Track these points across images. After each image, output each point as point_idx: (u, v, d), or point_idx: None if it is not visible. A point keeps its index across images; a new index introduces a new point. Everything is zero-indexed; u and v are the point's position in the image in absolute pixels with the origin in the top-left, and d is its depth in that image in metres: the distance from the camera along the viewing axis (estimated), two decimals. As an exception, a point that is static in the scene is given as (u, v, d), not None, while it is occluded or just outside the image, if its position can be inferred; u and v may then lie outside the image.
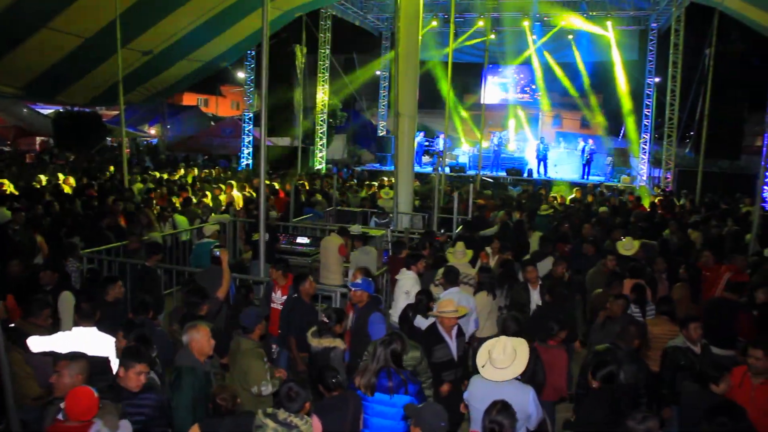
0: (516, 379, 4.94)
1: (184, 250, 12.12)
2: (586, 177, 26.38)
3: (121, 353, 5.02)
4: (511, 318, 6.16)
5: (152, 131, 36.80)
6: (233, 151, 29.84)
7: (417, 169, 22.52)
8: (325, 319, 6.23)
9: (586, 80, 29.00)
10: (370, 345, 5.50)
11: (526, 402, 4.82)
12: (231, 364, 5.90)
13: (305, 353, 6.56)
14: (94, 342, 5.61)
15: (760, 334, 7.38)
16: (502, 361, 4.88)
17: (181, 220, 12.78)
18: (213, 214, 13.73)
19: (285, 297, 7.67)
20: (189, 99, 45.07)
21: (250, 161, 27.92)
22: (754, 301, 7.93)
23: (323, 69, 28.30)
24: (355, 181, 21.92)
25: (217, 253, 7.92)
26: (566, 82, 29.48)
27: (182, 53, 21.95)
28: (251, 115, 28.01)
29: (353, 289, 7.02)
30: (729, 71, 21.97)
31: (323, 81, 28.44)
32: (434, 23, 27.75)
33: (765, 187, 20.41)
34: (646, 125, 27.44)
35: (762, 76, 22.68)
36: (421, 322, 7.08)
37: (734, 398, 5.25)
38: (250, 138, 28.01)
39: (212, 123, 36.49)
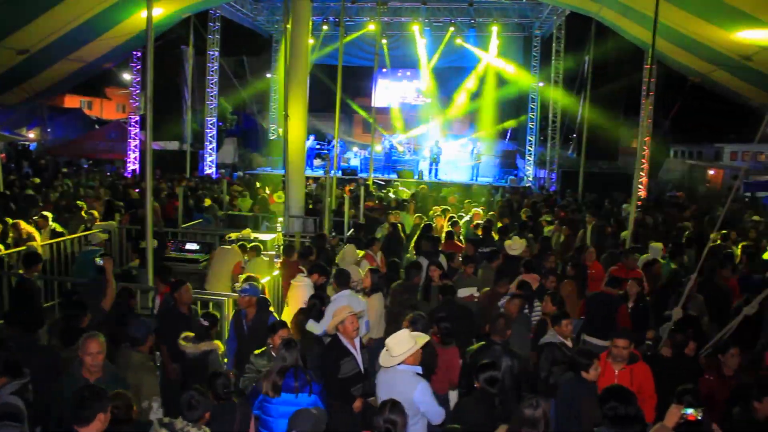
0: (417, 373, 5.23)
1: (67, 259, 11.61)
2: (475, 179, 27.08)
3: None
4: (418, 316, 6.29)
5: (31, 135, 34.91)
6: (119, 155, 28.78)
7: (308, 172, 22.55)
8: (205, 323, 6.21)
9: (474, 84, 29.80)
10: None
11: (411, 392, 5.09)
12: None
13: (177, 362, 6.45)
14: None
15: (639, 327, 7.92)
16: (396, 349, 5.24)
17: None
18: (98, 221, 13.23)
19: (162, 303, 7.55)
20: (71, 101, 43.04)
21: (137, 165, 27.04)
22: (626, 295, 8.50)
23: (212, 71, 27.77)
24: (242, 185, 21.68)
25: (101, 262, 7.67)
26: (456, 85, 30.22)
27: (62, 53, 20.95)
28: (138, 118, 27.09)
29: (241, 294, 7.00)
30: (606, 77, 23.20)
31: (212, 83, 27.91)
32: (325, 27, 27.84)
33: (640, 186, 21.72)
34: (531, 128, 28.53)
35: (636, 81, 24.06)
36: (314, 327, 7.13)
37: (600, 384, 5.62)
38: (137, 142, 27.09)
39: (96, 126, 35.08)
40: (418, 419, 5.14)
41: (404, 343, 5.31)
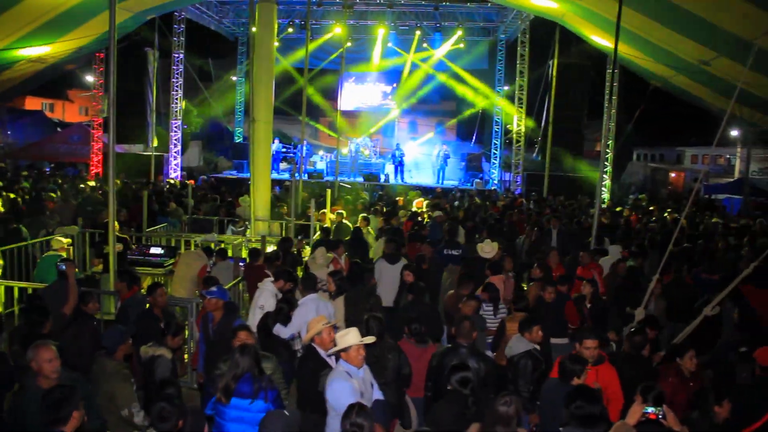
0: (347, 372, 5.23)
1: (29, 263, 11.38)
2: (440, 182, 27.20)
3: None
4: (373, 318, 6.29)
5: (-12, 137, 34.30)
6: (82, 158, 28.32)
7: (274, 176, 22.41)
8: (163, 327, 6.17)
9: (440, 87, 29.97)
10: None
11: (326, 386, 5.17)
12: (95, 387, 5.56)
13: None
14: None
15: (597, 326, 8.02)
16: (342, 341, 5.30)
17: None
18: (59, 226, 13.02)
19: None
20: (32, 103, 42.34)
21: (100, 168, 26.63)
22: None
23: (177, 74, 27.51)
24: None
25: (63, 267, 7.55)
26: (421, 89, 30.35)
27: (23, 53, 20.57)
28: (101, 120, 26.67)
29: (208, 296, 6.93)
30: (570, 81, 23.52)
31: (177, 86, 27.64)
32: (290, 30, 27.76)
33: (603, 189, 22.02)
34: (496, 131, 28.76)
35: (599, 86, 24.45)
36: (281, 331, 7.10)
37: None
38: (100, 145, 26.67)
39: (58, 129, 34.50)
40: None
41: (351, 336, 5.32)
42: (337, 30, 26.85)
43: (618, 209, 20.32)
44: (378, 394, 5.47)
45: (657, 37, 16.58)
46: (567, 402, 4.70)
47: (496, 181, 28.41)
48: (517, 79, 26.77)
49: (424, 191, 22.96)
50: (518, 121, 26.93)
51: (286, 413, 4.59)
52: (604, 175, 23.47)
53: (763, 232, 14.51)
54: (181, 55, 27.34)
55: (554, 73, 22.40)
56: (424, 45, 28.81)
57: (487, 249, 10.24)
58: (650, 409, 4.57)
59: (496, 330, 7.59)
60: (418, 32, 27.92)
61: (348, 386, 5.12)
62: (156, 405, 4.38)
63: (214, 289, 7.00)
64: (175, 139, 27.80)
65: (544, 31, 23.80)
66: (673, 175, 40.12)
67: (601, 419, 4.57)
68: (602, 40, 19.35)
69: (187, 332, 7.84)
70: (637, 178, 39.90)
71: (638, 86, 23.47)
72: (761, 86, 15.29)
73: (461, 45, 28.19)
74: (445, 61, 29.35)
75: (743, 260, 10.17)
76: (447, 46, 28.54)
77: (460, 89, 29.34)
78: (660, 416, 4.53)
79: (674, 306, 9.03)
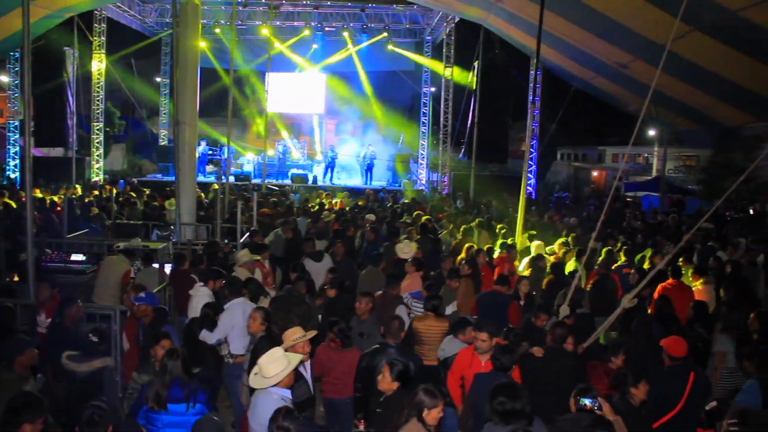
0: (283, 398, 5.07)
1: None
2: (368, 182, 27.27)
3: None
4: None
5: None
6: (-4, 162, 27.23)
7: (201, 178, 22.07)
8: (93, 339, 5.95)
9: (367, 89, 30.07)
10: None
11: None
12: None
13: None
14: None
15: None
16: (269, 370, 5.05)
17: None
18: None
19: (51, 320, 7.19)
20: (-59, 105, 40.43)
21: (17, 173, 25.63)
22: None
23: (99, 74, 26.72)
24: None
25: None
26: (349, 90, 30.40)
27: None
28: (17, 122, 25.68)
29: (137, 303, 6.79)
30: (494, 82, 23.93)
31: (99, 87, 26.84)
32: (216, 30, 27.39)
33: (528, 188, 22.50)
34: (423, 132, 29.05)
35: (523, 87, 24.98)
36: (207, 336, 7.02)
37: (467, 377, 5.93)
38: (17, 148, 25.68)
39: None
40: None
41: (278, 363, 5.08)
42: (264, 31, 26.61)
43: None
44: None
45: (577, 40, 17.09)
46: (490, 398, 4.81)
47: (423, 182, 28.68)
48: (442, 80, 27.12)
49: (353, 192, 22.99)
50: (444, 122, 27.29)
51: (215, 418, 4.54)
52: (529, 175, 24.00)
53: (677, 227, 15.10)
54: (103, 55, 26.55)
55: (478, 75, 22.77)
56: (351, 46, 28.87)
57: (406, 249, 10.33)
58: (587, 401, 4.76)
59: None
60: (345, 33, 27.99)
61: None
62: (86, 410, 4.27)
63: (142, 295, 6.87)
64: (97, 142, 26.99)
65: (470, 33, 24.19)
66: (595, 173, 41.35)
67: (522, 414, 4.68)
68: (525, 43, 19.81)
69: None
70: (561, 176, 41.00)
71: (561, 87, 24.15)
72: (674, 89, 15.97)
73: (388, 46, 28.39)
74: (371, 62, 29.47)
75: (656, 255, 10.55)
76: (373, 47, 28.68)
77: (387, 90, 29.54)
78: (596, 407, 4.73)
79: (600, 301, 9.30)
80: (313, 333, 5.90)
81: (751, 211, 21.21)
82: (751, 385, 5.90)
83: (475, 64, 23.40)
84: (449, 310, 8.12)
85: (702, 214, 14.44)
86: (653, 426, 5.27)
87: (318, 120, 31.49)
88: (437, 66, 27.74)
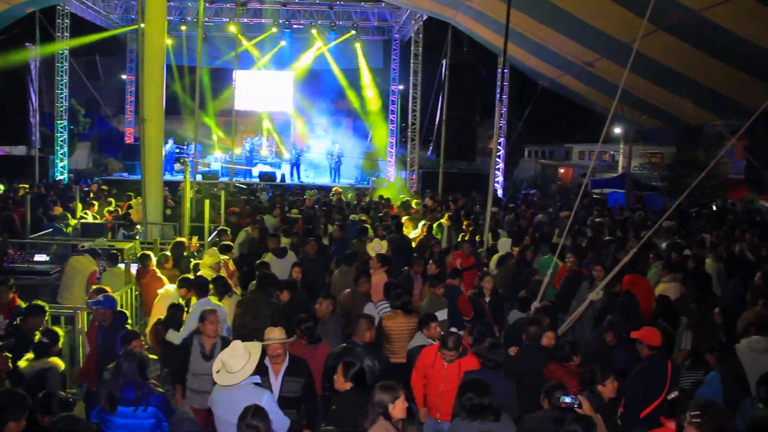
0: (255, 384, 5.08)
1: None
2: (336, 180, 27.20)
3: None
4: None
5: None
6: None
7: (168, 177, 21.81)
8: (45, 340, 5.92)
9: (336, 86, 30.02)
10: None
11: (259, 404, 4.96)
12: None
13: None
14: None
15: (497, 319, 8.28)
16: (234, 364, 5.02)
17: None
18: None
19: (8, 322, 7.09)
20: None
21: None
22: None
23: (62, 71, 26.28)
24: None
25: None
26: (317, 88, 30.33)
27: None
28: (-22, 121, 25.14)
29: (94, 308, 6.71)
30: (463, 80, 24.05)
31: (62, 84, 26.41)
32: (183, 27, 27.13)
33: (496, 185, 22.67)
34: (392, 130, 29.07)
35: (491, 85, 25.14)
36: (173, 336, 6.96)
37: (430, 376, 5.95)
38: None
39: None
40: None
41: (241, 357, 5.05)
42: (231, 28, 26.41)
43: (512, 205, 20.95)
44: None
45: (544, 39, 17.24)
46: (458, 393, 4.84)
47: (392, 180, 28.67)
48: (411, 78, 27.19)
49: (321, 191, 22.94)
50: (413, 120, 27.36)
51: (191, 416, 4.52)
52: (497, 172, 24.17)
53: (643, 224, 15.30)
54: (66, 52, 26.10)
55: (447, 73, 22.86)
56: (319, 44, 28.80)
57: (377, 248, 10.34)
58: (567, 399, 4.77)
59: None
60: (313, 31, 27.91)
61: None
62: (59, 418, 4.29)
63: (100, 298, 6.78)
64: (62, 140, 26.55)
65: (438, 31, 24.28)
66: (562, 170, 41.79)
67: (490, 410, 4.71)
68: (493, 41, 19.92)
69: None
70: (528, 174, 41.39)
71: (528, 86, 24.35)
72: (639, 87, 16.18)
73: (356, 44, 28.37)
74: (340, 61, 29.45)
75: (620, 251, 10.68)
76: (342, 45, 28.66)
77: (356, 88, 29.54)
78: (576, 405, 4.75)
79: (569, 297, 9.39)
80: (290, 340, 5.87)
81: (714, 208, 21.59)
82: (713, 378, 6.02)
83: (444, 61, 23.48)
84: (441, 316, 7.82)
85: (666, 211, 14.66)
86: (641, 416, 5.33)
87: (284, 118, 31.33)
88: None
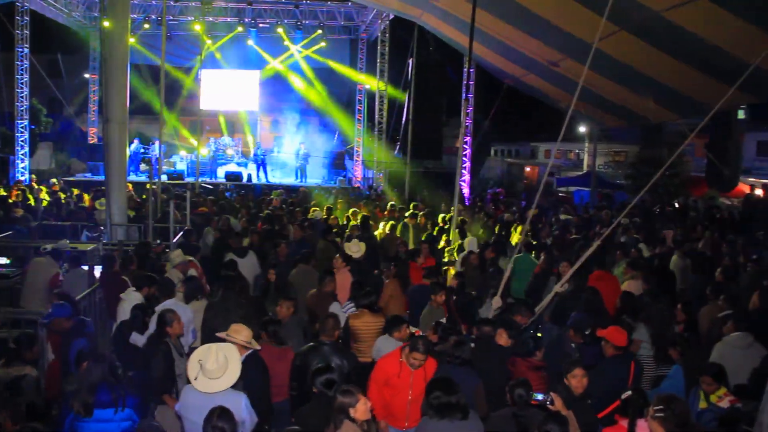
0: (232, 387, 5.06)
1: None
2: (303, 180, 27.08)
3: None
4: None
5: None
6: None
7: (133, 177, 21.56)
8: (12, 346, 5.79)
9: (305, 84, 29.92)
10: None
11: (239, 409, 4.92)
12: None
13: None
14: None
15: (466, 318, 8.32)
16: (215, 371, 4.95)
17: None
18: None
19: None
20: None
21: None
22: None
23: (22, 70, 25.75)
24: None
25: None
26: (283, 87, 30.20)
27: None
28: (-66, 121, 24.59)
29: (44, 321, 6.59)
30: (429, 79, 24.13)
31: (22, 83, 25.88)
32: (146, 26, 26.80)
33: (462, 184, 22.80)
34: (358, 129, 29.05)
35: (457, 84, 25.25)
36: (137, 339, 6.88)
37: (395, 385, 5.81)
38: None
39: None
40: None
41: (219, 361, 4.98)
42: (196, 27, 26.15)
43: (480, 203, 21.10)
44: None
45: (510, 38, 17.37)
46: (426, 392, 4.88)
47: (359, 179, 28.68)
48: (377, 77, 27.21)
49: (288, 190, 22.85)
50: (379, 118, 27.39)
51: (155, 423, 4.49)
52: (463, 171, 24.31)
53: (609, 221, 15.52)
54: (26, 50, 25.55)
55: (413, 72, 22.95)
56: (285, 43, 28.68)
57: (354, 248, 10.29)
58: (539, 396, 4.82)
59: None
60: (279, 30, 27.76)
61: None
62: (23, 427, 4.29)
63: (50, 311, 6.68)
64: (22, 140, 26.03)
65: (404, 31, 24.35)
66: (528, 169, 42.20)
67: (457, 408, 4.76)
68: (459, 41, 20.02)
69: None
70: (494, 172, 41.69)
71: (494, 85, 24.50)
72: (602, 86, 16.40)
73: (322, 43, 28.32)
74: (307, 60, 29.37)
75: (585, 248, 10.82)
76: (308, 45, 28.58)
77: (322, 87, 29.50)
78: (548, 402, 4.79)
79: (539, 293, 9.48)
80: (256, 346, 5.86)
81: (677, 205, 21.99)
82: (676, 371, 6.13)
83: (410, 61, 23.56)
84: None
85: (625, 207, 14.88)
86: (599, 416, 5.38)
87: (251, 117, 31.15)
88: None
